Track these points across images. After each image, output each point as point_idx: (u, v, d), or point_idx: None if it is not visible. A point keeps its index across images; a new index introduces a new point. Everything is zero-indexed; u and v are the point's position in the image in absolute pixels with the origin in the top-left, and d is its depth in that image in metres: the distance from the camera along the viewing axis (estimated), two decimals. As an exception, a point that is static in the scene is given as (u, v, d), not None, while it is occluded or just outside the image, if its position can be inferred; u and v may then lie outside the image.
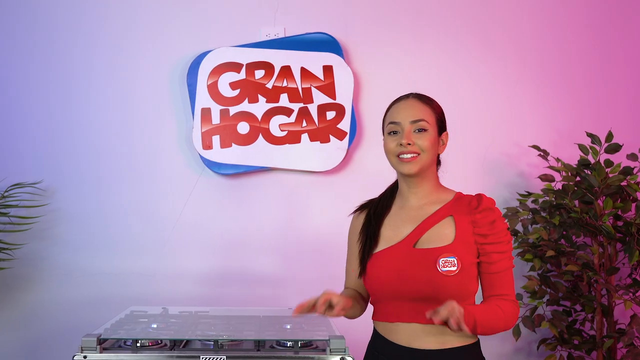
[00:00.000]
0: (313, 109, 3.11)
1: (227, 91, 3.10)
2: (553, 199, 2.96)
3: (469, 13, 3.25)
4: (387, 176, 1.94)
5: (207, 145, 3.08)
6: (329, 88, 3.11)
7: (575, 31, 3.30)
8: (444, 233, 1.74)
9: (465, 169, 3.17)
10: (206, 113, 3.09)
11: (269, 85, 3.11)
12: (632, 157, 2.95)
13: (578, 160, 2.99)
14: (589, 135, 2.98)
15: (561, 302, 3.00)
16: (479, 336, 1.79)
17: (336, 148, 3.11)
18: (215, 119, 3.09)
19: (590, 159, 2.99)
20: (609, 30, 3.32)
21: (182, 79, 3.12)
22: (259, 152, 3.09)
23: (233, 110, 3.10)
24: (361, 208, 1.93)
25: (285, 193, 3.15)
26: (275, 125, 3.10)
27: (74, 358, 2.07)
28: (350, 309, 1.80)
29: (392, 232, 1.80)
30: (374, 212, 1.87)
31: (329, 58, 3.12)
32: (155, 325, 2.32)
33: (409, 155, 1.75)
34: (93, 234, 3.08)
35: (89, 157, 3.10)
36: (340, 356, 2.09)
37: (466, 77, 3.23)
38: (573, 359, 2.97)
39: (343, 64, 3.12)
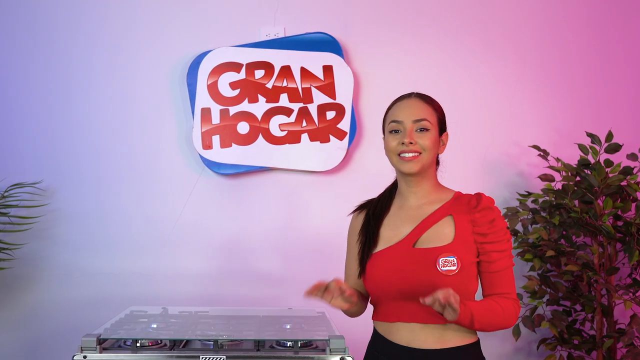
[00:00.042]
0: (313, 108, 3.11)
1: (227, 91, 3.11)
2: (553, 198, 2.96)
3: (469, 13, 3.25)
4: (387, 176, 1.94)
5: (207, 145, 3.08)
6: (328, 88, 3.11)
7: (575, 31, 3.30)
8: (444, 232, 1.74)
9: (465, 169, 3.17)
10: (206, 113, 3.09)
11: (269, 85, 3.11)
12: (632, 157, 2.95)
13: (578, 160, 2.99)
14: (589, 135, 2.98)
15: (561, 302, 3.00)
16: (479, 336, 1.80)
17: (336, 148, 3.11)
18: (215, 118, 3.09)
19: (590, 158, 2.99)
20: (609, 30, 3.32)
21: (182, 79, 3.12)
22: (259, 152, 3.10)
23: (233, 110, 3.10)
24: (360, 208, 1.93)
25: (285, 193, 3.15)
26: (275, 125, 3.10)
27: (74, 358, 2.07)
28: (355, 305, 1.80)
29: (392, 232, 1.80)
30: (373, 212, 1.87)
31: (328, 58, 3.12)
32: (155, 325, 2.32)
33: (410, 155, 1.75)
34: (93, 234, 3.08)
35: (89, 157, 3.10)
36: (340, 356, 2.10)
37: (466, 77, 3.23)
38: (573, 358, 2.96)
39: (343, 64, 3.12)
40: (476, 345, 1.78)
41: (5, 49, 3.10)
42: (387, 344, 1.79)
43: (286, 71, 3.11)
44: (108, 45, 3.13)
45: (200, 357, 2.09)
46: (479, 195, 1.78)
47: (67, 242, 3.07)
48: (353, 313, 1.89)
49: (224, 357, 2.09)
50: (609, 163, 2.94)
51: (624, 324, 3.00)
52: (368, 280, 1.80)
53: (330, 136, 3.11)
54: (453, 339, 1.73)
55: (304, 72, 3.11)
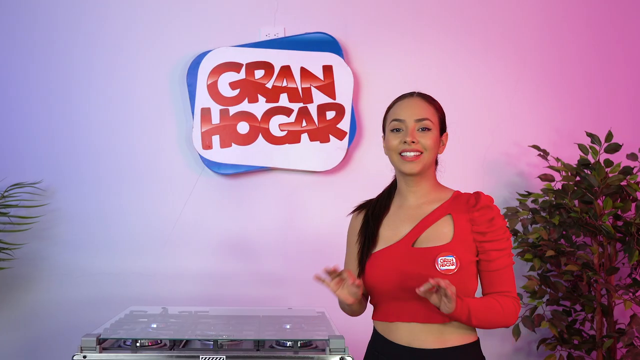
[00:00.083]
0: (313, 108, 3.11)
1: (226, 91, 3.11)
2: (553, 198, 2.96)
3: (469, 13, 3.25)
4: (387, 176, 1.94)
5: (207, 145, 3.08)
6: (328, 88, 3.11)
7: (575, 31, 3.30)
8: (443, 232, 1.74)
9: (465, 168, 3.17)
10: (206, 113, 3.09)
11: (269, 85, 3.11)
12: (632, 156, 2.95)
13: (578, 160, 2.99)
14: (589, 135, 2.98)
15: (561, 302, 3.00)
16: (478, 336, 1.80)
17: (336, 148, 3.11)
18: (215, 118, 3.09)
19: (590, 158, 2.99)
20: (609, 30, 3.32)
21: (182, 79, 3.12)
22: (259, 152, 3.10)
23: (233, 110, 3.10)
24: (359, 208, 1.93)
25: (285, 193, 3.15)
26: (275, 125, 3.10)
27: (74, 358, 2.07)
28: (357, 302, 1.80)
29: (391, 231, 1.80)
30: (372, 212, 1.87)
31: (328, 58, 3.12)
32: (154, 325, 2.32)
33: (411, 154, 1.75)
34: (93, 234, 3.08)
35: (89, 157, 3.10)
36: (340, 356, 2.09)
37: (466, 77, 3.23)
38: (573, 358, 2.96)
39: (343, 64, 3.12)
40: (476, 344, 1.78)
41: (5, 49, 3.10)
42: (387, 343, 1.78)
43: (286, 71, 3.11)
44: (108, 45, 3.13)
45: (200, 357, 2.09)
46: (477, 194, 1.78)
47: (67, 242, 3.07)
48: (354, 311, 1.89)
49: (224, 357, 2.09)
50: (608, 163, 2.94)
51: (624, 324, 3.00)
52: (367, 280, 1.80)
53: (330, 136, 3.11)
54: (453, 338, 1.72)
55: (304, 72, 3.12)
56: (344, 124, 3.11)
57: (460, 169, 3.10)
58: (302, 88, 3.11)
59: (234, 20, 3.17)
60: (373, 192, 1.96)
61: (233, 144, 3.09)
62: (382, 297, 1.79)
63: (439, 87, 3.01)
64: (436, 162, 1.86)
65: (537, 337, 3.09)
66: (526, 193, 3.05)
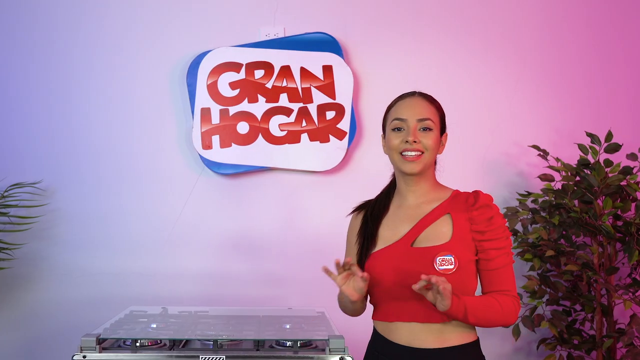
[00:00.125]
0: (313, 108, 3.11)
1: (226, 91, 3.11)
2: (553, 198, 2.96)
3: (469, 13, 3.25)
4: (386, 176, 1.94)
5: (207, 145, 3.08)
6: (328, 88, 3.11)
7: (575, 31, 3.30)
8: (441, 231, 1.74)
9: (465, 168, 3.17)
10: (206, 113, 3.09)
11: (269, 85, 3.11)
12: (631, 156, 2.95)
13: (578, 160, 2.99)
14: (589, 135, 2.98)
15: (561, 301, 3.00)
16: (478, 335, 1.80)
17: (336, 148, 3.11)
18: (215, 118, 3.09)
19: (590, 158, 2.99)
20: (609, 30, 3.32)
21: (182, 78, 3.13)
22: (259, 152, 3.10)
23: (233, 110, 3.10)
24: (359, 209, 1.93)
25: (285, 193, 3.15)
26: (275, 125, 3.10)
27: (74, 358, 2.07)
28: (360, 301, 1.79)
29: (390, 231, 1.80)
30: (371, 212, 1.87)
31: (328, 58, 3.12)
32: (154, 325, 2.32)
33: (413, 154, 1.75)
34: (93, 234, 3.08)
35: (88, 157, 3.10)
36: (340, 356, 2.09)
37: (466, 77, 3.23)
38: (573, 358, 2.96)
39: (343, 64, 3.12)
40: (476, 344, 1.78)
41: (5, 49, 3.10)
42: (387, 343, 1.79)
43: (286, 71, 3.11)
44: (108, 45, 3.13)
45: (200, 357, 2.09)
46: (476, 193, 1.77)
47: (66, 242, 3.07)
48: (355, 310, 1.88)
49: (224, 356, 2.09)
50: (608, 163, 2.94)
51: (624, 324, 3.00)
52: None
53: (330, 136, 3.11)
54: (452, 338, 1.72)
55: (304, 72, 3.12)
56: (344, 124, 3.11)
57: (460, 169, 3.10)
58: (302, 88, 3.11)
59: (233, 20, 3.17)
60: (373, 192, 1.95)
61: (233, 144, 3.09)
62: (381, 297, 1.79)
63: (439, 87, 3.01)
64: (435, 162, 1.86)
65: (537, 337, 3.09)
66: (526, 193, 3.05)
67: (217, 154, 3.08)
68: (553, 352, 2.95)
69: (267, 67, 3.11)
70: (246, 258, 3.12)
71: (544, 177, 3.03)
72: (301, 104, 3.11)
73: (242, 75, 3.11)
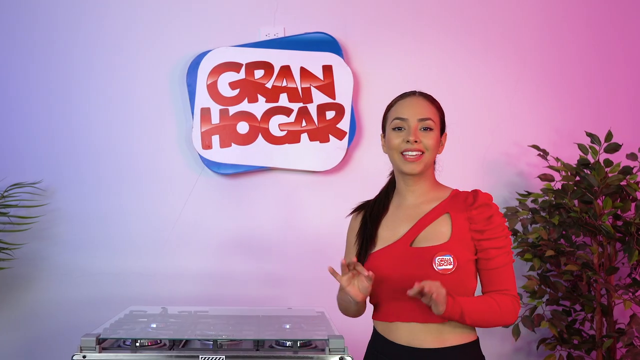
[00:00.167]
0: (312, 108, 3.11)
1: (226, 91, 3.11)
2: (552, 198, 2.96)
3: (469, 13, 3.25)
4: (386, 175, 1.94)
5: (207, 145, 3.08)
6: (328, 88, 3.11)
7: (575, 31, 3.30)
8: (440, 231, 1.74)
9: (465, 168, 3.17)
10: (206, 113, 3.09)
11: (269, 85, 3.11)
12: (631, 156, 2.95)
13: (577, 160, 2.99)
14: (589, 134, 2.98)
15: (561, 301, 3.00)
16: (478, 335, 1.80)
17: (336, 148, 3.11)
18: (215, 118, 3.09)
19: (590, 158, 2.99)
20: (609, 30, 3.32)
21: (182, 78, 3.13)
22: (259, 152, 3.10)
23: (232, 110, 3.10)
24: (358, 209, 1.93)
25: (284, 193, 3.15)
26: (275, 125, 3.10)
27: (73, 358, 2.07)
28: (363, 302, 1.79)
29: (390, 231, 1.80)
30: (370, 213, 1.86)
31: (328, 58, 3.12)
32: (154, 325, 2.32)
33: (413, 154, 1.75)
34: (93, 234, 3.08)
35: (88, 157, 3.10)
36: (340, 356, 2.09)
37: (466, 77, 3.23)
38: (573, 358, 2.96)
39: (342, 64, 3.12)
40: (475, 344, 1.78)
41: (5, 49, 3.10)
42: (386, 343, 1.79)
43: (286, 71, 3.12)
44: (108, 45, 3.13)
45: (200, 356, 2.09)
46: (475, 192, 1.77)
47: (66, 242, 3.07)
48: (357, 311, 1.87)
49: (224, 356, 2.09)
50: (608, 163, 2.94)
51: (624, 324, 2.99)
52: (367, 280, 1.79)
53: (330, 136, 3.11)
54: (452, 338, 1.73)
55: (304, 72, 3.12)
56: (344, 124, 3.11)
57: (460, 168, 3.11)
58: (301, 88, 3.11)
59: (233, 20, 3.17)
60: (373, 192, 1.95)
61: (233, 144, 3.09)
62: (381, 297, 1.79)
63: (439, 87, 3.00)
64: (434, 162, 1.86)
65: (537, 337, 3.09)
66: (526, 193, 3.05)
67: (217, 154, 3.08)
68: (553, 352, 2.95)
69: (267, 67, 3.11)
70: (246, 258, 3.12)
71: (544, 177, 3.03)
72: (301, 104, 3.11)
73: (242, 75, 3.11)
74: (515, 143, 3.24)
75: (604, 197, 2.88)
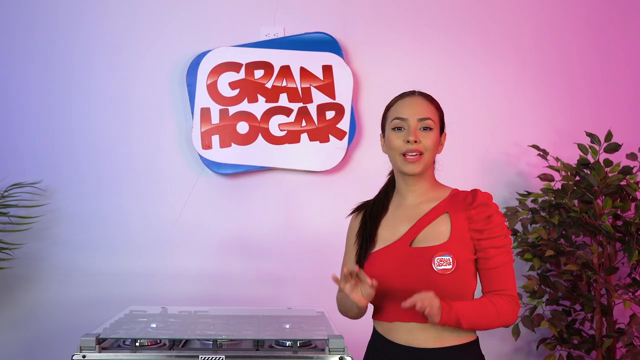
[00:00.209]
0: (312, 108, 3.11)
1: (226, 91, 3.11)
2: (552, 198, 2.96)
3: (469, 13, 3.25)
4: (386, 175, 1.94)
5: (207, 145, 3.08)
6: (328, 88, 3.11)
7: (575, 31, 3.30)
8: (440, 231, 1.74)
9: (465, 168, 3.17)
10: (205, 113, 3.09)
11: (269, 85, 3.11)
12: (631, 156, 2.95)
13: (577, 160, 2.99)
14: (589, 134, 2.98)
15: (560, 301, 3.00)
16: (478, 335, 1.80)
17: (335, 148, 3.11)
18: (215, 118, 3.09)
19: (590, 158, 2.99)
20: (609, 30, 3.32)
21: (182, 78, 3.13)
22: (259, 152, 3.10)
23: (232, 110, 3.10)
24: (358, 209, 1.93)
25: (284, 193, 3.15)
26: (275, 125, 3.10)
27: (73, 358, 2.07)
28: (365, 306, 1.79)
29: (389, 231, 1.80)
30: (370, 213, 1.86)
31: (328, 58, 3.12)
32: (154, 325, 2.32)
33: (414, 154, 1.75)
34: (93, 234, 3.08)
35: (88, 157, 3.11)
36: (339, 356, 2.09)
37: (466, 77, 3.23)
38: (572, 358, 2.96)
39: (342, 64, 3.12)
40: (475, 344, 1.78)
41: (5, 49, 3.10)
42: (386, 343, 1.79)
43: (286, 71, 3.12)
44: (108, 45, 3.13)
45: (200, 356, 2.09)
46: (474, 192, 1.77)
47: (66, 242, 3.07)
48: (358, 314, 1.87)
49: (223, 356, 2.09)
50: (608, 163, 2.94)
51: (624, 324, 2.99)
52: (367, 281, 1.79)
53: (330, 136, 3.11)
54: (451, 338, 1.72)
55: (304, 72, 3.12)
56: (344, 124, 3.11)
57: (460, 168, 3.11)
58: (301, 88, 3.11)
59: (233, 20, 3.17)
60: (372, 191, 1.95)
61: (233, 144, 3.09)
62: (381, 297, 1.79)
63: (439, 87, 3.00)
64: (434, 161, 1.86)
65: (537, 337, 3.09)
66: (526, 193, 3.05)
67: (217, 154, 3.08)
68: (553, 352, 2.95)
69: (267, 67, 3.11)
70: (246, 258, 3.12)
71: (544, 177, 3.03)
72: (301, 104, 3.11)
73: (241, 75, 3.11)
74: (515, 143, 3.24)
75: (603, 197, 2.88)
